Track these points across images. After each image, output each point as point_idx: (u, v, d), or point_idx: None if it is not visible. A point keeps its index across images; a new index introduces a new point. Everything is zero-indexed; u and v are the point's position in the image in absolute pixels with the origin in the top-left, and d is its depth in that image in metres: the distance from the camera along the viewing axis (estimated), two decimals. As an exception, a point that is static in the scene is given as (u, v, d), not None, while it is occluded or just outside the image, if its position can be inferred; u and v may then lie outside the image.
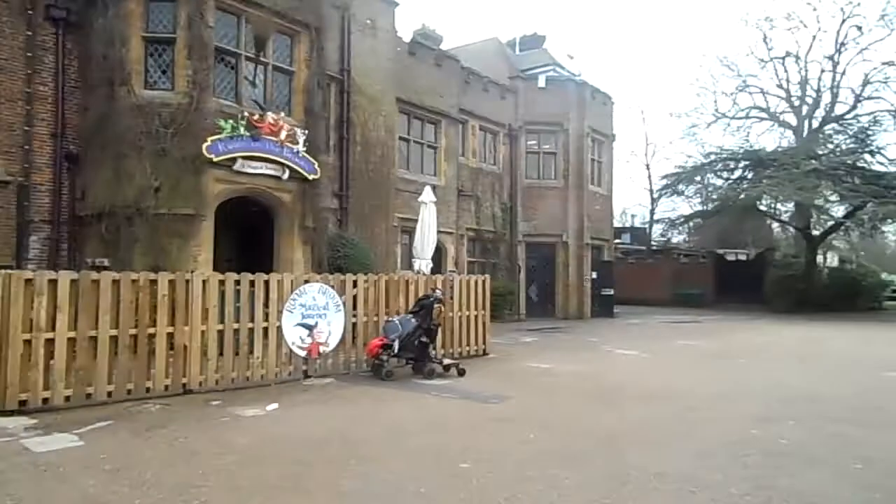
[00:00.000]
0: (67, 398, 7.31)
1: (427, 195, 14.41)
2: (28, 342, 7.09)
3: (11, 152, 11.62)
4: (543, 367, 11.54)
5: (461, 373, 10.14)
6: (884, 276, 38.66)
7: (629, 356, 13.57)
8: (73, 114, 12.29)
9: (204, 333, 8.46)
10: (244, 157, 12.49)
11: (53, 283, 7.33)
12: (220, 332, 8.64)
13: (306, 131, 13.63)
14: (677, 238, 48.04)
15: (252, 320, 9.02)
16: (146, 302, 7.97)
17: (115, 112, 11.78)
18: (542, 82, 25.22)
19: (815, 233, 33.79)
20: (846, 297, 31.96)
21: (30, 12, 11.78)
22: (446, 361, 10.45)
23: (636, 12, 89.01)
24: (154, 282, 8.12)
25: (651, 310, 30.17)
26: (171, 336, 8.18)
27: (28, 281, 7.17)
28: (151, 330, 8.00)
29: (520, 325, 20.44)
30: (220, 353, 8.63)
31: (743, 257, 40.98)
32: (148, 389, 7.90)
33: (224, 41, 12.62)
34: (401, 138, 19.38)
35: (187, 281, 8.42)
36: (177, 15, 12.03)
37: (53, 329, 7.25)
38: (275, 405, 7.69)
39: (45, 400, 7.16)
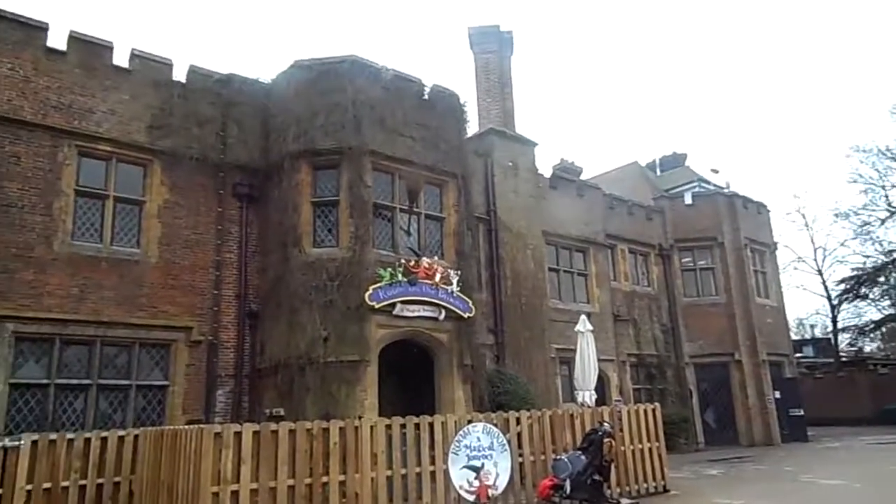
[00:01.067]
0: (251, 550, 7.53)
1: (583, 324, 14.19)
2: (216, 494, 7.49)
3: (202, 313, 12.98)
4: (736, 505, 10.40)
5: (641, 513, 9.38)
6: None
7: (837, 486, 11.92)
8: (254, 276, 13.63)
9: (374, 480, 8.55)
10: (402, 302, 13.08)
11: (238, 435, 7.81)
12: (389, 478, 8.69)
13: (459, 272, 14.12)
14: (870, 346, 43.07)
15: (419, 464, 9.02)
16: (319, 450, 8.26)
17: (289, 271, 12.94)
18: (688, 199, 24.73)
19: None
20: None
21: (220, 192, 13.56)
22: (624, 501, 9.75)
23: (779, 116, 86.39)
24: (326, 430, 8.43)
25: (851, 430, 26.69)
26: (342, 484, 8.33)
27: (217, 434, 7.71)
28: (325, 479, 8.20)
29: (699, 456, 18.76)
30: (390, 500, 8.63)
31: (954, 363, 35.78)
32: (322, 540, 7.99)
33: (380, 197, 13.69)
34: (550, 269, 19.49)
35: (356, 427, 8.67)
36: (339, 180, 13.32)
37: (238, 481, 7.63)
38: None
39: (232, 552, 7.42)
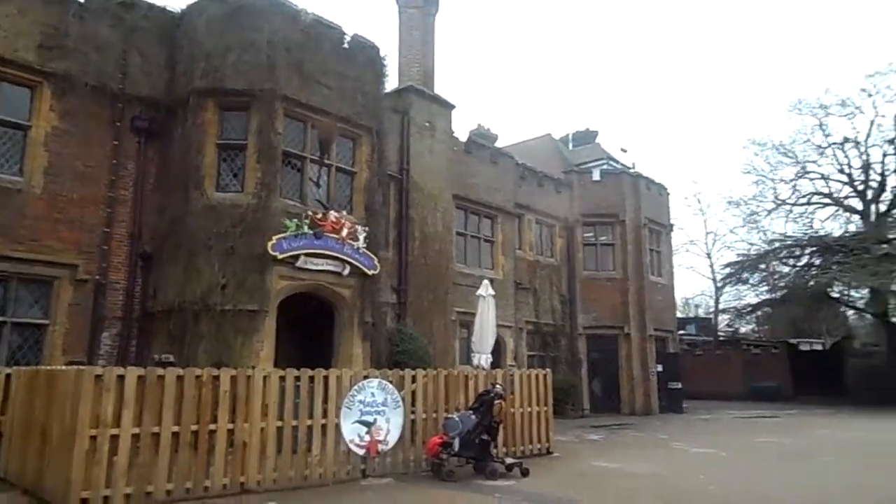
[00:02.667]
0: (128, 496, 7.29)
1: (485, 289, 14.41)
2: (93, 438, 7.18)
3: (90, 251, 12.25)
4: (612, 468, 10.99)
5: (525, 473, 9.72)
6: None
7: (703, 454, 12.82)
8: (150, 216, 12.96)
9: (263, 430, 8.44)
10: (307, 255, 12.84)
11: (121, 378, 7.48)
12: (279, 429, 8.60)
13: (367, 228, 13.99)
14: (745, 328, 46.28)
15: (311, 417, 8.97)
16: (208, 398, 8.05)
17: (189, 213, 12.40)
18: (596, 175, 25.45)
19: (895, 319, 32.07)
20: (938, 388, 29.82)
21: (117, 124, 12.71)
22: (509, 461, 10.06)
23: (687, 104, 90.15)
24: (216, 377, 8.22)
25: (723, 404, 28.74)
26: (230, 433, 8.18)
27: (98, 377, 7.35)
28: (212, 426, 8.02)
29: (584, 422, 19.69)
30: (279, 451, 8.56)
31: (818, 347, 39.09)
32: (206, 488, 7.84)
33: (291, 145, 13.27)
34: (458, 233, 19.64)
35: (248, 377, 8.50)
36: (249, 123, 12.78)
37: (119, 425, 7.34)
38: (332, 506, 7.50)
39: (106, 498, 7.16)
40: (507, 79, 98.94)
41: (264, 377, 8.63)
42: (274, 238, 12.36)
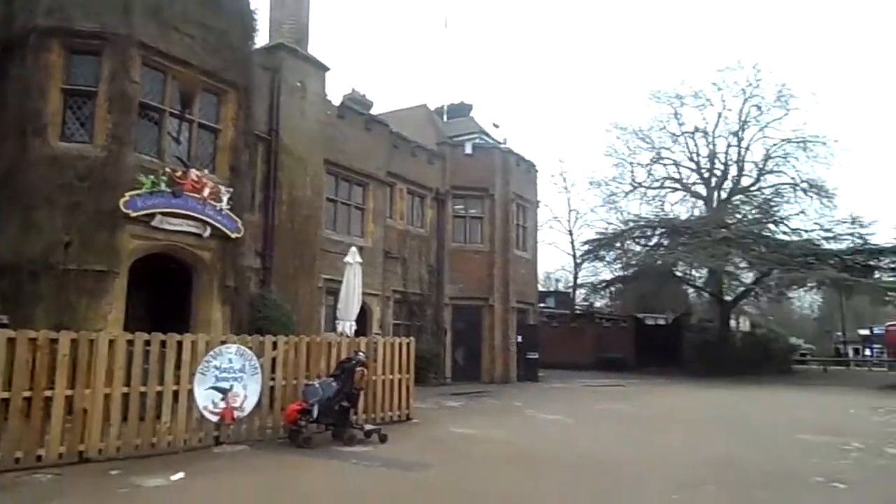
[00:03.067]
0: (-54, 468, 6.69)
1: (352, 256, 14.32)
2: None
3: None
4: (467, 433, 11.40)
5: (383, 439, 9.87)
6: (792, 340, 40.61)
7: (553, 421, 13.60)
8: (-20, 164, 11.67)
9: (108, 397, 7.98)
10: (164, 214, 12.14)
11: (-59, 341, 6.79)
12: (126, 396, 8.17)
13: (231, 189, 13.42)
14: (600, 302, 49.27)
15: (161, 383, 8.58)
16: (44, 363, 7.48)
17: (28, 163, 11.29)
18: (468, 149, 25.86)
19: (728, 298, 35.39)
20: (758, 360, 33.43)
21: (-61, 58, 11.31)
22: (367, 427, 10.17)
23: (559, 85, 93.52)
24: (55, 341, 7.65)
25: (575, 373, 30.52)
26: (69, 399, 7.67)
27: (-89, 339, 6.63)
28: (48, 393, 7.48)
29: (445, 389, 20.23)
30: (125, 419, 8.14)
31: (662, 321, 42.31)
32: (40, 458, 7.33)
33: (148, 97, 12.41)
34: (328, 199, 19.32)
35: (91, 340, 7.98)
36: (100, 69, 11.78)
37: (-63, 392, 6.68)
38: (180, 474, 7.26)
39: (-79, 471, 6.53)
40: (384, 45, 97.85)
41: (110, 341, 8.15)
42: (127, 195, 11.55)
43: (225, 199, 13.23)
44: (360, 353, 10.74)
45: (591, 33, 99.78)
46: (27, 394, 7.31)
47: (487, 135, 30.24)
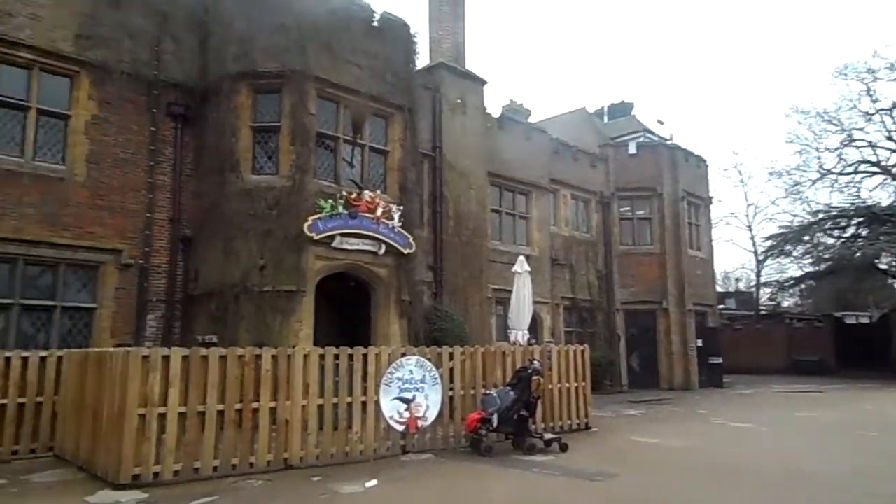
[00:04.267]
0: (176, 472, 7.52)
1: (521, 265, 14.37)
2: (142, 416, 7.40)
3: (133, 236, 12.53)
4: (651, 442, 10.95)
5: (563, 448, 9.74)
6: None
7: (745, 429, 12.67)
8: (189, 200, 13.17)
9: (304, 408, 8.59)
10: (342, 235, 12.94)
11: (166, 359, 7.68)
12: (320, 407, 8.75)
13: (401, 207, 14.02)
14: (788, 301, 45.40)
15: (350, 395, 9.09)
16: (251, 377, 8.22)
17: (226, 197, 12.58)
18: (632, 148, 25.03)
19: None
20: None
21: (154, 111, 12.91)
22: (547, 436, 10.08)
23: (726, 73, 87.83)
24: (258, 357, 8.38)
25: (764, 378, 28.32)
26: (273, 411, 8.35)
27: (144, 357, 7.56)
28: (255, 405, 8.19)
29: (622, 397, 19.62)
30: (321, 428, 8.72)
31: (865, 320, 38.14)
32: (251, 464, 8.04)
33: (324, 126, 13.33)
34: (492, 210, 19.58)
35: (289, 356, 8.64)
36: (281, 105, 12.87)
37: (165, 404, 7.55)
38: (373, 482, 7.62)
39: (156, 474, 7.39)
40: (539, 52, 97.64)
41: (304, 356, 8.78)
42: (309, 219, 12.48)
43: (396, 216, 13.85)
44: (535, 362, 10.70)
45: (756, 15, 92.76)
46: (238, 406, 8.07)
47: (651, 132, 29.09)
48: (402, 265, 14.03)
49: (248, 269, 12.22)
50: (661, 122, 30.02)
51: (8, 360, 9.05)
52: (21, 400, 9.03)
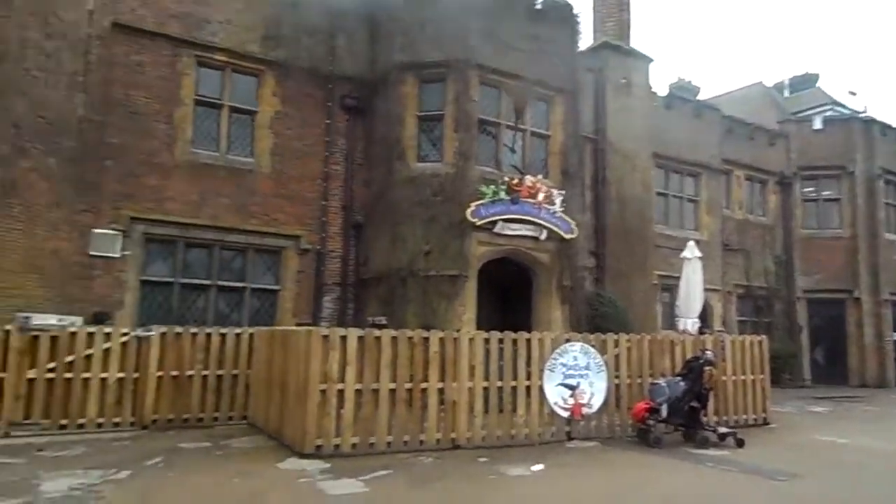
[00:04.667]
0: (354, 445, 8.00)
1: (690, 250, 13.67)
2: (323, 392, 7.94)
3: (310, 223, 13.45)
4: (839, 442, 10.02)
5: (739, 443, 9.18)
6: None
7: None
8: (359, 188, 13.90)
9: (470, 390, 8.78)
10: (504, 220, 13.02)
11: (343, 339, 8.18)
12: (485, 390, 8.90)
13: (563, 192, 13.84)
14: None
15: (514, 379, 9.16)
16: (420, 358, 8.54)
17: (393, 184, 13.11)
18: (818, 123, 22.83)
19: None
20: None
21: (329, 104, 13.74)
22: (721, 430, 9.56)
23: (934, 33, 77.35)
24: (426, 339, 8.68)
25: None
26: (440, 391, 8.62)
27: (325, 337, 8.09)
28: (424, 385, 8.51)
29: (804, 392, 18.11)
30: (486, 411, 8.87)
31: None
32: (421, 442, 8.36)
33: (485, 112, 13.45)
34: (658, 193, 18.78)
35: (455, 339, 8.87)
36: (445, 93, 13.15)
37: (343, 381, 8.05)
38: (540, 466, 7.64)
39: (336, 446, 7.91)
40: (710, 24, 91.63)
41: (469, 339, 8.96)
42: (472, 205, 12.68)
43: (558, 201, 13.69)
44: (708, 352, 10.15)
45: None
46: (408, 385, 8.42)
47: (841, 105, 26.41)
48: (563, 250, 13.87)
49: (414, 254, 12.67)
50: (852, 94, 27.21)
51: (208, 336, 10.08)
52: (220, 372, 10.03)
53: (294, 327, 10.99)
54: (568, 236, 13.81)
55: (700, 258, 13.85)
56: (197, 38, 12.54)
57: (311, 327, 9.42)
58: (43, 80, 11.05)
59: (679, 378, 9.71)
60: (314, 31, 13.65)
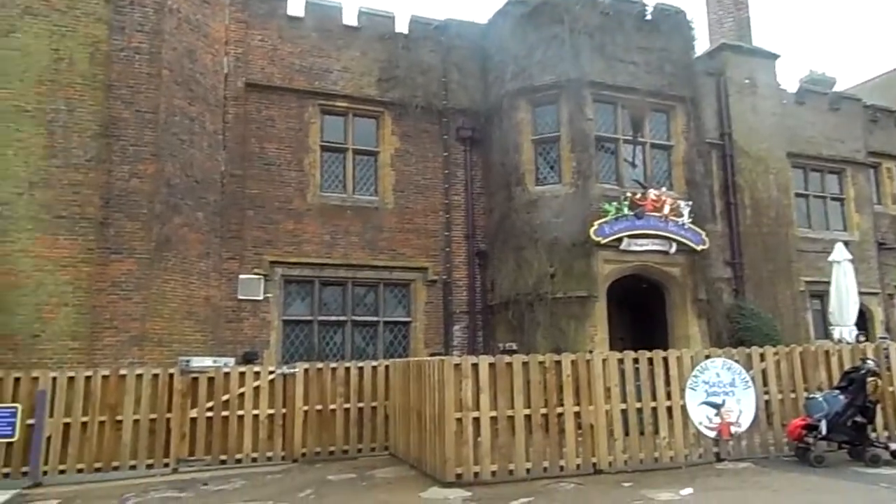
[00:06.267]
0: (493, 473, 7.99)
1: (839, 253, 12.68)
2: (459, 420, 8.02)
3: (436, 254, 13.77)
4: None
5: (917, 462, 8.30)
6: None
7: None
8: (480, 216, 14.09)
9: (608, 413, 8.55)
10: (630, 236, 12.70)
11: (475, 367, 8.24)
12: (623, 412, 8.63)
13: (690, 202, 13.33)
14: None
15: (654, 399, 8.82)
16: (552, 382, 8.43)
17: (513, 210, 13.18)
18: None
19: None
20: None
21: (445, 137, 14.11)
22: (893, 446, 8.68)
23: None
24: (558, 363, 8.57)
25: None
26: (577, 415, 8.45)
27: (456, 366, 8.20)
28: (559, 409, 8.37)
29: None
30: (626, 433, 8.59)
31: None
32: (561, 468, 8.20)
33: (602, 129, 13.27)
34: (797, 195, 17.60)
35: (588, 361, 8.69)
36: (559, 115, 13.13)
37: (478, 409, 8.09)
38: (689, 490, 7.27)
39: (476, 474, 7.93)
40: (840, 10, 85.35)
41: (603, 360, 8.75)
42: (595, 224, 12.48)
43: (685, 212, 13.19)
44: (870, 361, 9.28)
45: None
46: (543, 410, 8.33)
47: None
48: (695, 263, 13.29)
49: (539, 277, 12.61)
50: None
51: (347, 369, 10.49)
52: (360, 404, 10.39)
53: (427, 357, 11.22)
54: (699, 248, 13.25)
55: (850, 260, 12.81)
56: (320, 88, 13.35)
57: (443, 357, 9.58)
58: (188, 142, 12.13)
59: (838, 391, 8.93)
60: (426, 69, 14.13)
